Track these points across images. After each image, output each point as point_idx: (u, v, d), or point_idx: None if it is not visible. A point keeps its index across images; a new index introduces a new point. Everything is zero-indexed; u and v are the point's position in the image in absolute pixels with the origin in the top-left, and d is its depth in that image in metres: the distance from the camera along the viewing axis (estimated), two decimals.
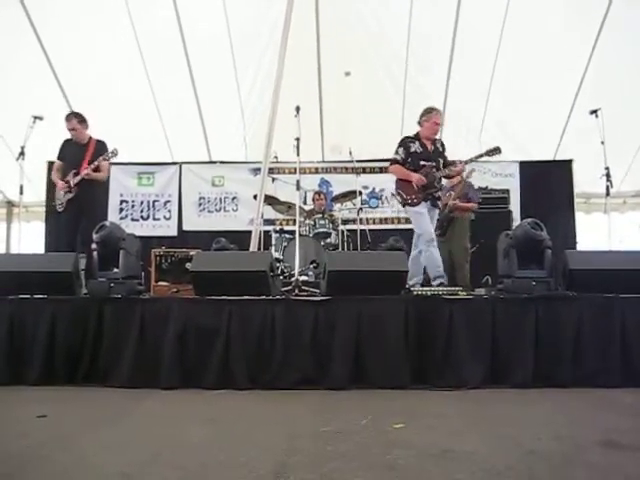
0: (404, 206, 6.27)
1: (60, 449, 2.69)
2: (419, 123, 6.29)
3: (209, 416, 3.43)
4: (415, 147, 6.16)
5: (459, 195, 7.31)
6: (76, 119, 6.65)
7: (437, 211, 6.33)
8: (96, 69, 8.60)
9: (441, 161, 6.23)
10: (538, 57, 8.34)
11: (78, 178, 6.42)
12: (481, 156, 6.14)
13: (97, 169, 6.51)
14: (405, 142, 6.23)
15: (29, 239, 10.18)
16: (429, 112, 6.22)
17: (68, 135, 6.69)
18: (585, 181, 9.50)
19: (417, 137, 6.24)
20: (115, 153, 6.51)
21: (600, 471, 2.36)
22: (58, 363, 4.36)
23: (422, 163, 6.11)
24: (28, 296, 4.63)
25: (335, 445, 2.72)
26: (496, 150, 6.12)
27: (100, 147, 6.60)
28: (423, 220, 6.03)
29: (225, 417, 3.44)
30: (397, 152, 6.24)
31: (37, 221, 10.15)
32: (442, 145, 6.33)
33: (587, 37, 8.27)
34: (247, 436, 2.96)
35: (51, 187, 6.94)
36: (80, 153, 6.55)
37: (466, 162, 6.20)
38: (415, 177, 6.01)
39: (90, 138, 6.69)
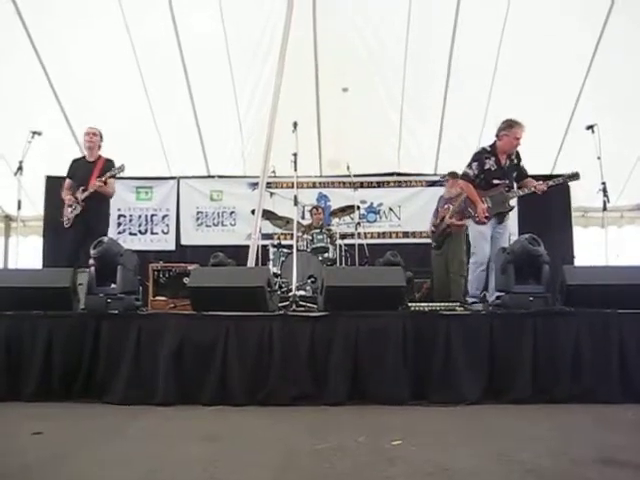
0: (468, 217, 6.14)
1: (56, 467, 2.67)
2: (497, 136, 5.99)
3: (206, 433, 3.41)
4: (490, 164, 5.91)
5: (456, 211, 7.30)
6: (98, 131, 6.79)
7: (507, 223, 6.08)
8: (94, 84, 8.64)
9: (514, 175, 6.04)
10: (535, 74, 8.38)
11: (86, 193, 6.45)
12: (560, 182, 6.04)
13: (105, 184, 6.52)
14: (481, 157, 5.96)
15: (26, 254, 10.17)
16: (511, 126, 5.89)
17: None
18: (582, 196, 9.53)
19: (494, 151, 5.98)
20: (122, 169, 6.54)
21: None
22: (54, 379, 4.33)
23: (495, 182, 5.92)
24: (25, 312, 4.61)
25: (332, 462, 2.70)
26: (575, 176, 5.99)
27: (108, 165, 6.64)
28: (482, 241, 5.88)
29: (222, 434, 3.42)
30: (470, 166, 6.00)
31: (35, 236, 10.15)
32: (518, 156, 6.06)
33: (584, 53, 8.32)
34: (244, 453, 2.95)
35: (58, 204, 6.91)
36: (88, 170, 6.60)
37: (550, 186, 5.97)
38: (480, 209, 5.82)
39: (99, 156, 6.73)
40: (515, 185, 6.16)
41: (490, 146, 6.05)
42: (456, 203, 7.30)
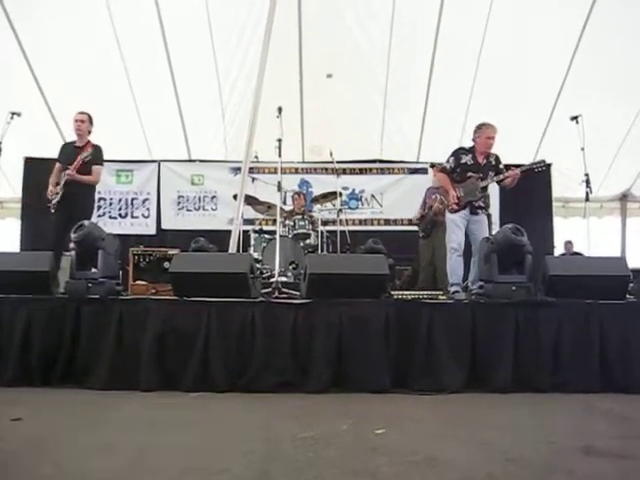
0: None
1: (36, 454, 2.63)
2: (473, 140, 6.24)
3: (188, 420, 3.40)
4: (466, 159, 6.15)
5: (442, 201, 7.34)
6: (88, 116, 6.57)
7: (483, 217, 6.20)
8: (74, 65, 8.50)
9: (492, 174, 6.15)
10: (519, 63, 8.40)
11: (64, 179, 6.31)
12: (527, 168, 6.09)
13: (87, 172, 6.39)
14: (458, 152, 6.25)
15: (3, 236, 10.04)
16: (480, 128, 6.19)
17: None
18: (564, 186, 9.61)
19: (472, 150, 6.23)
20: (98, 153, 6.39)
21: (581, 478, 2.37)
22: (34, 364, 4.28)
23: (469, 174, 6.12)
24: (3, 295, 4.53)
25: (316, 451, 2.70)
26: (541, 162, 6.13)
27: (93, 151, 6.48)
28: (455, 229, 6.10)
29: (205, 421, 3.41)
30: (448, 160, 6.27)
31: (12, 218, 10.01)
32: (497, 159, 6.24)
33: (568, 43, 8.35)
34: (227, 441, 2.93)
35: (37, 186, 6.77)
36: (73, 155, 6.41)
37: (523, 172, 6.04)
38: (451, 196, 6.06)
39: (88, 142, 6.58)
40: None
41: (469, 147, 6.29)
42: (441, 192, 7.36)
